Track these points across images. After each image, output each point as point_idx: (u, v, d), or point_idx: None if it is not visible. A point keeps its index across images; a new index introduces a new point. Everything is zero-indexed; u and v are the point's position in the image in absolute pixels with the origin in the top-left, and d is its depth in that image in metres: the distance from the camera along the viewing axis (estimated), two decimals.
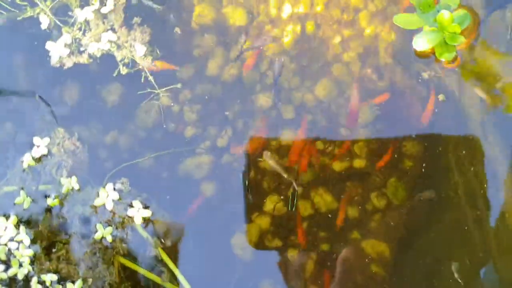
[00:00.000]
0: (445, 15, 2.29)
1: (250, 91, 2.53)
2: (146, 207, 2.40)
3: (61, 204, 2.40)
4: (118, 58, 2.52)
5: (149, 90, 2.51)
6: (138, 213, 2.38)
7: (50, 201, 2.39)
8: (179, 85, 2.52)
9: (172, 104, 2.52)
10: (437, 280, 2.34)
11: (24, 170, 2.43)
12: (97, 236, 2.34)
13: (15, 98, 2.55)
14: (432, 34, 2.36)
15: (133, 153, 2.49)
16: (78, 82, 2.55)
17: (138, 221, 2.36)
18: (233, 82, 2.54)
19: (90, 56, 2.53)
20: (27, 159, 2.43)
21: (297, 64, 2.55)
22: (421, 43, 2.38)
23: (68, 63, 2.52)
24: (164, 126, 2.50)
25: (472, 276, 2.34)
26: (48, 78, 2.54)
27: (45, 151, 2.44)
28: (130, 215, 2.37)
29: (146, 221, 2.38)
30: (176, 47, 2.58)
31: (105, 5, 2.55)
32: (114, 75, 2.51)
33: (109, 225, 2.36)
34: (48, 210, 2.40)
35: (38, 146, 2.44)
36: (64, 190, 2.39)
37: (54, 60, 2.52)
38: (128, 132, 2.52)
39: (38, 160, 2.44)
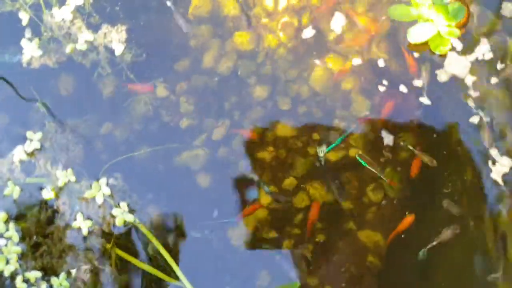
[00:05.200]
0: (439, 8, 2.33)
1: (246, 82, 2.55)
2: (131, 211, 2.37)
3: (57, 197, 2.36)
4: (96, 58, 2.52)
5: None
6: (121, 215, 2.35)
7: (45, 194, 2.36)
8: (160, 80, 2.51)
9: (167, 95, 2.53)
10: (430, 268, 2.37)
11: (14, 163, 2.40)
12: (74, 225, 2.32)
13: (8, 89, 2.52)
14: (427, 27, 2.39)
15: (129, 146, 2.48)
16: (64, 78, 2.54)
17: (119, 222, 2.34)
18: (229, 74, 2.55)
19: (64, 56, 2.52)
20: (19, 153, 2.40)
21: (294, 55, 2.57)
22: (416, 35, 2.41)
23: (35, 63, 2.51)
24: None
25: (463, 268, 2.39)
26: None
27: (37, 145, 2.41)
28: (114, 214, 2.36)
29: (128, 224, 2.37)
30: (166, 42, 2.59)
31: None
32: (94, 76, 2.50)
33: (89, 219, 2.34)
34: (39, 204, 2.37)
35: (31, 140, 2.41)
36: (60, 183, 2.37)
37: (25, 58, 2.50)
38: (121, 126, 2.51)
39: (31, 154, 2.41)
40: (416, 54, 2.51)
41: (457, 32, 2.36)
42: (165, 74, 2.55)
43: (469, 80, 2.45)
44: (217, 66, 2.55)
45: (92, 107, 2.52)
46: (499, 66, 2.46)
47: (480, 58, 2.47)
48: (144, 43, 2.56)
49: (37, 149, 2.41)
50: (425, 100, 2.46)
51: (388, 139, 2.43)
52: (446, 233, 2.35)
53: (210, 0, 2.61)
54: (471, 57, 2.47)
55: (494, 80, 2.46)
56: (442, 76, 2.44)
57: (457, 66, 2.43)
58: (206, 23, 2.60)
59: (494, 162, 2.38)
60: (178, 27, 2.60)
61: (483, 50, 2.46)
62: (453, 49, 2.47)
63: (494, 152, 2.40)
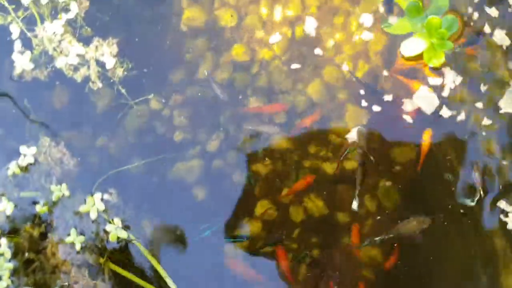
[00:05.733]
0: (433, 21, 2.33)
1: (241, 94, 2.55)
2: (126, 227, 2.37)
3: (50, 211, 2.35)
4: (87, 73, 2.52)
5: (122, 101, 2.50)
6: (115, 231, 2.34)
7: (39, 208, 2.35)
8: (151, 96, 2.50)
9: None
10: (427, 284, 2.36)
11: (8, 178, 2.40)
12: (68, 240, 2.31)
13: (2, 103, 2.53)
14: (421, 40, 2.39)
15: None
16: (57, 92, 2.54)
17: (112, 238, 2.33)
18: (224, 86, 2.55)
19: (56, 70, 2.53)
20: (12, 168, 2.39)
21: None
22: (410, 48, 2.41)
23: (27, 77, 2.51)
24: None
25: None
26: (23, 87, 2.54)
27: (31, 160, 2.40)
28: (107, 230, 2.35)
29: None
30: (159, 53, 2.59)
31: (70, 10, 2.56)
32: (86, 90, 2.50)
33: (82, 234, 2.33)
34: (32, 219, 2.36)
35: (24, 155, 2.41)
36: (54, 197, 2.36)
37: (16, 72, 2.51)
38: (116, 139, 2.50)
39: (25, 168, 2.40)
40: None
41: (451, 44, 2.36)
42: (158, 88, 2.54)
43: (446, 113, 2.45)
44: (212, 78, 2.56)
45: (86, 120, 2.52)
46: (483, 88, 2.48)
47: (452, 87, 2.47)
48: (136, 56, 2.56)
49: (31, 164, 2.41)
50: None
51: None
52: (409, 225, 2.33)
53: (203, 12, 2.62)
54: (445, 92, 2.47)
55: (479, 104, 2.48)
56: (408, 105, 2.44)
57: (424, 101, 2.43)
58: (202, 35, 2.60)
59: (506, 214, 2.36)
60: (171, 40, 2.61)
61: (452, 78, 2.46)
62: (426, 83, 2.48)
63: (502, 204, 2.37)
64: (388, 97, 2.48)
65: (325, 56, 2.55)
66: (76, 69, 2.53)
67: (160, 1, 2.65)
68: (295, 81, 2.54)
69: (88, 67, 2.52)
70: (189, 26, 2.61)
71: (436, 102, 2.43)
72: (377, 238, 2.34)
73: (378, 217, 2.39)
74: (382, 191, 2.41)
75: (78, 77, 2.52)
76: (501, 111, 2.44)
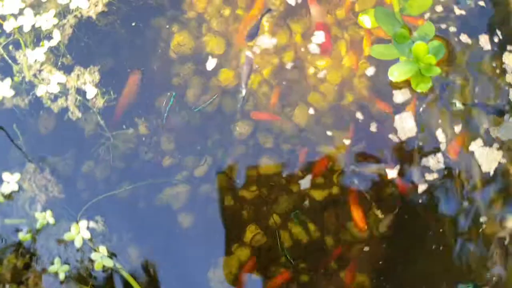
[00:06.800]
0: (420, 46, 2.35)
1: (229, 119, 2.54)
2: (111, 255, 2.34)
3: (34, 239, 2.32)
4: (67, 102, 2.51)
5: (99, 131, 2.49)
6: (100, 260, 2.31)
7: (22, 236, 2.31)
8: (130, 131, 2.49)
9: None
10: None
11: None
12: (51, 269, 2.28)
13: None
14: (408, 65, 2.41)
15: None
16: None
17: (97, 267, 2.30)
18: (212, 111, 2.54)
19: (37, 98, 2.51)
20: None
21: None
22: (397, 74, 2.43)
23: (8, 104, 2.50)
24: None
25: None
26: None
27: (15, 187, 2.38)
28: (92, 258, 2.32)
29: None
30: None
31: (53, 38, 2.56)
32: (64, 119, 2.49)
33: (66, 263, 2.31)
34: (15, 249, 2.33)
35: (8, 182, 2.38)
36: (39, 225, 2.33)
37: None
38: (102, 165, 2.48)
39: (9, 196, 2.38)
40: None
41: (438, 70, 2.37)
42: (144, 113, 2.53)
43: None
44: (199, 103, 2.54)
45: (71, 146, 2.50)
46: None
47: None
48: (119, 83, 2.55)
49: (15, 191, 2.38)
50: None
51: None
52: None
53: (193, 37, 2.63)
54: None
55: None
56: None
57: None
58: (189, 60, 2.60)
59: None
60: (158, 66, 2.61)
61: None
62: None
63: None
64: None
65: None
66: (56, 97, 2.52)
67: (146, 27, 2.65)
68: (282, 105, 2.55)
69: (67, 97, 2.51)
70: (178, 52, 2.61)
71: None
72: None
73: None
74: None
75: (56, 106, 2.51)
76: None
